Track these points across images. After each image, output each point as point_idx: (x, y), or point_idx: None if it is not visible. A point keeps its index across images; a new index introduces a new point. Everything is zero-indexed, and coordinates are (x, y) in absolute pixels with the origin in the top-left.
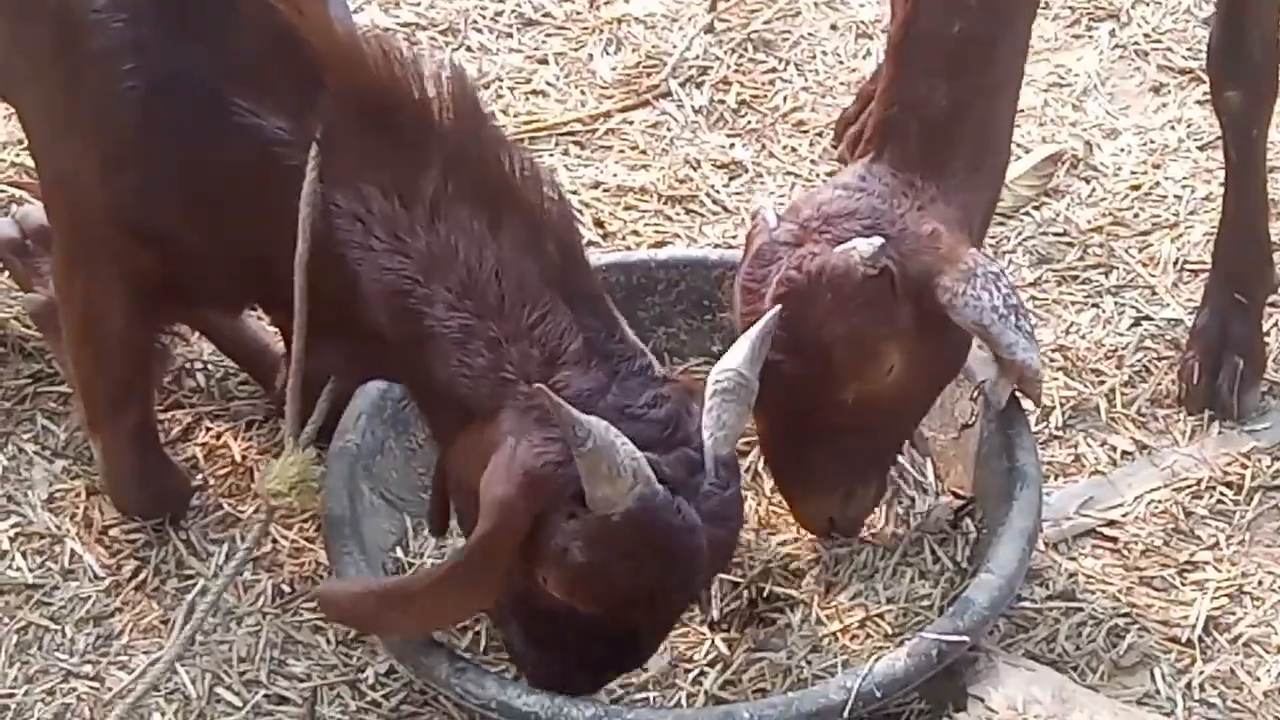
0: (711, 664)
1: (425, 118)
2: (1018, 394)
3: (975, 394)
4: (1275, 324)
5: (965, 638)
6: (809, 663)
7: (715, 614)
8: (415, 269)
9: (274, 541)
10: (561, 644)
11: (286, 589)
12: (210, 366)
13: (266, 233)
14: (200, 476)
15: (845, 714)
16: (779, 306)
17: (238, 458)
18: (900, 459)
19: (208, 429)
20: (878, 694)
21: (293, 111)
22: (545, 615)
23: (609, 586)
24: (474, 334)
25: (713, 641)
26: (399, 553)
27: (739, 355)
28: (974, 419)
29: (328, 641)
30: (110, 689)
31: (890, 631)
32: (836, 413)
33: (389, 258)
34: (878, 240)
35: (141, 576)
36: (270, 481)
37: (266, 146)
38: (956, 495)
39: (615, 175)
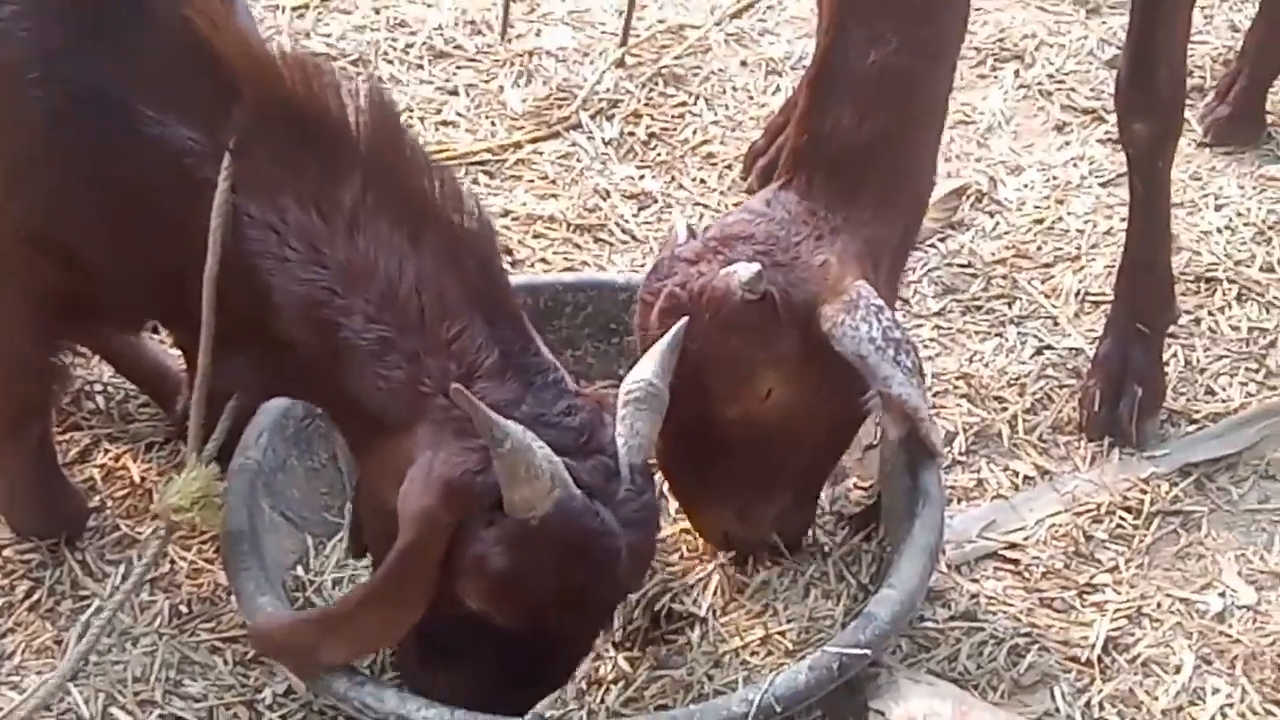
0: (614, 681)
1: (343, 131)
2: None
3: (877, 416)
4: (1174, 353)
5: (867, 651)
6: (710, 678)
7: (618, 634)
8: (333, 280)
9: (171, 562)
10: (480, 664)
11: (184, 609)
12: (110, 388)
13: (177, 246)
14: (98, 498)
15: None
16: (686, 319)
17: (136, 479)
18: None
19: (106, 450)
20: (778, 707)
21: (205, 123)
22: (463, 634)
23: (528, 593)
24: (392, 347)
25: (615, 660)
26: (299, 571)
27: (650, 365)
28: (877, 440)
29: (225, 662)
30: (1, 709)
31: (791, 648)
32: (722, 431)
33: (305, 268)
34: (756, 265)
35: (35, 597)
36: (172, 497)
37: (177, 158)
38: (859, 487)
39: (525, 204)
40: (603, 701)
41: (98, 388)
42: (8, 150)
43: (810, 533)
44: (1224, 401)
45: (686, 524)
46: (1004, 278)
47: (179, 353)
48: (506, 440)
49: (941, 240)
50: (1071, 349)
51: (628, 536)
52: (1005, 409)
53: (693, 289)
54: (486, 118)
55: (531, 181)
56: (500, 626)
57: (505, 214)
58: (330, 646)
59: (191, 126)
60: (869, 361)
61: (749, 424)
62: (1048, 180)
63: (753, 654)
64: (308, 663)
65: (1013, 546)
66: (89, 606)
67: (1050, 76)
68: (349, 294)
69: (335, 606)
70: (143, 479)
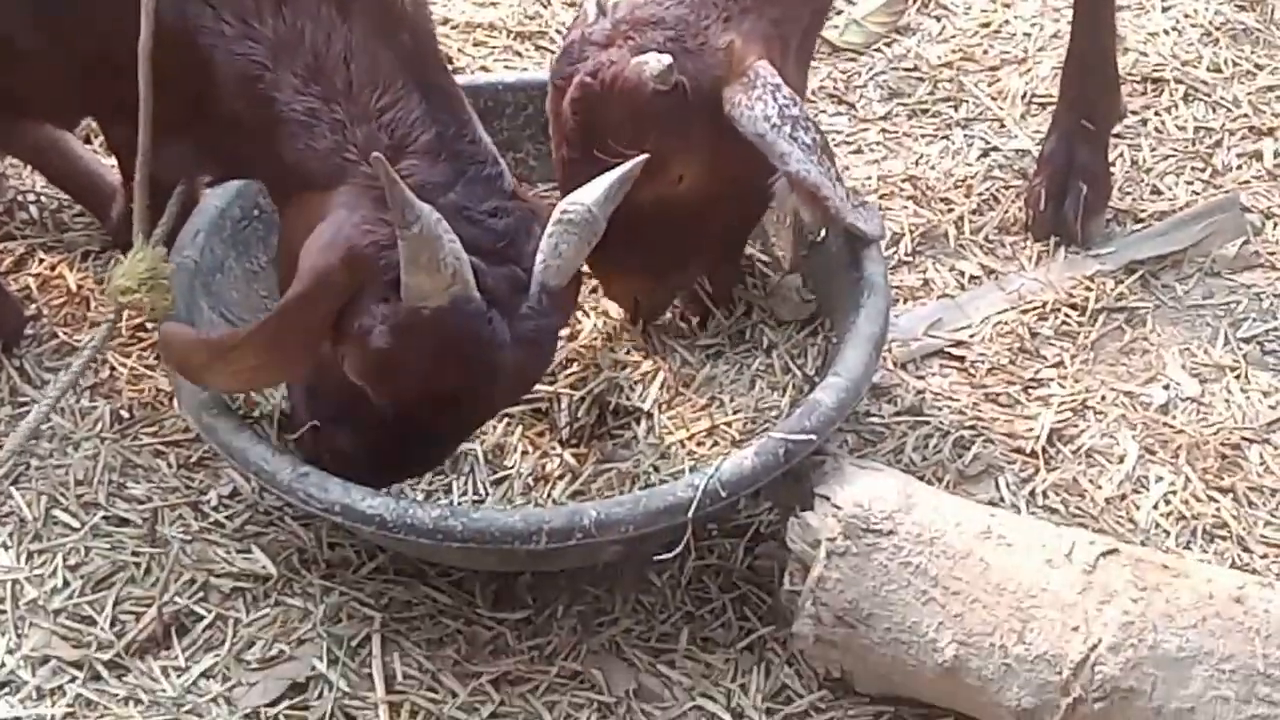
0: (560, 477)
1: None
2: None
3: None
4: (1120, 154)
5: (813, 437)
6: (656, 469)
7: (564, 431)
8: (263, 54)
9: (111, 369)
10: (352, 429)
11: (125, 415)
12: (44, 198)
13: (112, 25)
14: (34, 307)
15: (691, 512)
16: (645, 155)
17: (73, 288)
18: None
19: (41, 260)
20: (724, 492)
21: None
22: (340, 397)
23: (402, 379)
24: (318, 116)
25: (561, 456)
26: None
27: (593, 192)
28: (823, 235)
29: (168, 465)
30: None
31: (738, 439)
32: (636, 212)
33: (239, 43)
34: (667, 59)
35: None
36: (120, 279)
37: None
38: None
39: (464, 12)
40: (549, 496)
41: (31, 198)
42: None
43: (755, 327)
44: (1170, 200)
45: (624, 316)
46: (950, 81)
47: (114, 161)
48: (416, 224)
49: (887, 45)
50: (1018, 150)
51: (515, 352)
52: (951, 210)
53: (604, 78)
54: None
55: None
56: (373, 403)
57: (445, 22)
58: (215, 372)
59: None
60: (766, 139)
61: (661, 205)
62: None
63: (699, 445)
64: (197, 381)
65: (959, 344)
66: (27, 412)
67: None
68: (279, 67)
69: (226, 336)
70: (79, 287)
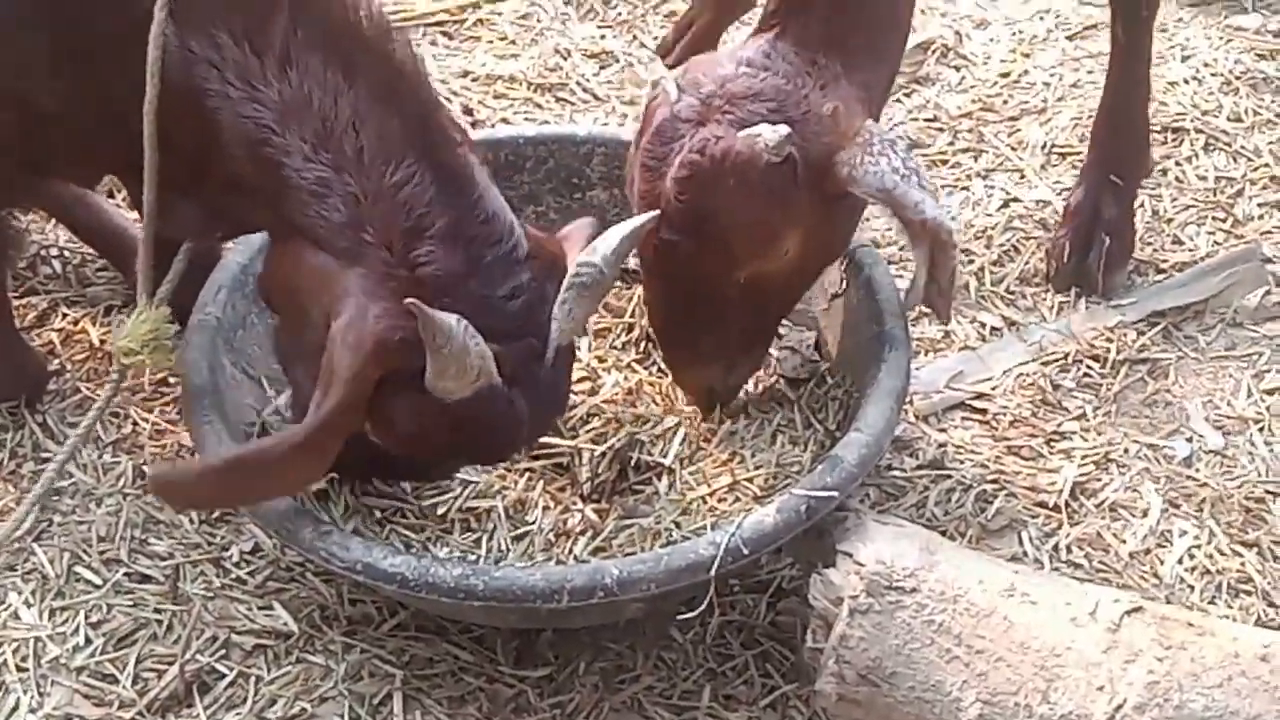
0: (582, 532)
1: None
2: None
3: (844, 263)
4: (1141, 204)
5: (834, 493)
6: (678, 525)
7: (586, 486)
8: (271, 118)
9: (134, 424)
10: (361, 454)
11: (147, 470)
12: (67, 253)
13: (125, 87)
14: (57, 362)
15: (714, 569)
16: (655, 213)
17: (95, 343)
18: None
19: (64, 315)
20: (745, 550)
21: None
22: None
23: (426, 447)
24: (330, 186)
25: (583, 512)
26: (261, 427)
27: (604, 249)
28: (843, 288)
29: (190, 521)
30: None
31: (759, 494)
32: (729, 291)
33: (246, 105)
34: (784, 129)
35: None
36: (122, 340)
37: None
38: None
39: (484, 65)
40: (570, 552)
41: (54, 252)
42: None
43: (777, 380)
44: (1191, 250)
45: (652, 375)
46: (970, 131)
47: (136, 216)
48: (446, 345)
49: (907, 95)
50: (1038, 201)
51: (534, 415)
52: (972, 261)
53: (714, 154)
54: None
55: (491, 42)
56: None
57: (465, 75)
58: (238, 492)
59: None
60: (895, 193)
61: (755, 282)
62: (1014, 34)
63: (720, 500)
64: (210, 508)
65: (980, 396)
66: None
67: None
68: (286, 132)
69: (248, 454)
70: (101, 342)
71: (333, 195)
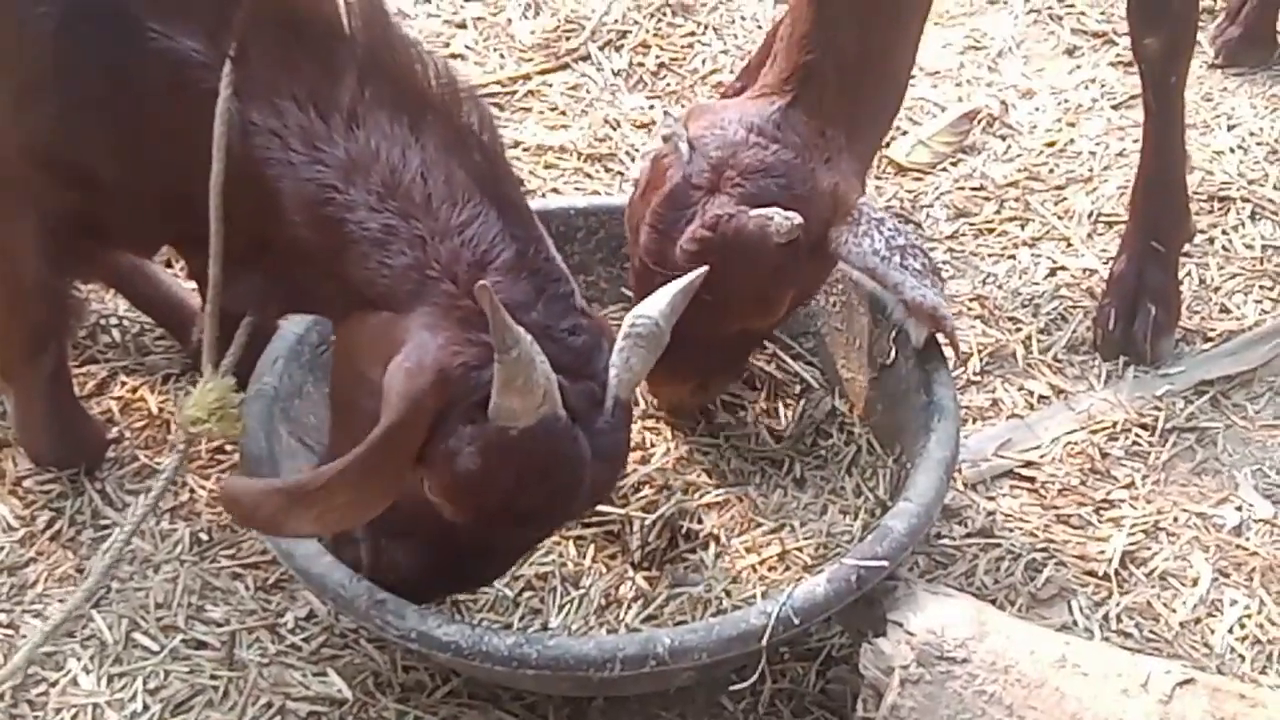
0: (633, 600)
1: (335, 26)
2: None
3: (893, 335)
4: (1188, 272)
5: (885, 563)
6: (728, 594)
7: (636, 554)
8: (334, 176)
9: (191, 491)
10: (409, 543)
11: (204, 537)
12: (126, 322)
13: (185, 161)
14: (116, 429)
15: (765, 639)
16: (706, 268)
17: (154, 410)
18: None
19: (123, 383)
20: (796, 620)
21: (206, 31)
22: (407, 513)
23: (488, 497)
24: (396, 234)
25: (633, 580)
26: None
27: (658, 303)
28: (892, 359)
29: (246, 587)
30: (24, 637)
31: (809, 563)
32: (720, 339)
33: (308, 168)
34: (796, 218)
35: (56, 527)
36: (189, 409)
37: (182, 70)
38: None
39: (535, 135)
40: (621, 620)
41: (113, 321)
42: (16, 68)
43: (829, 451)
44: (1238, 319)
45: (699, 444)
46: (1016, 200)
47: (194, 285)
48: (515, 349)
49: (953, 164)
50: (1085, 269)
51: (594, 468)
52: (1019, 329)
53: (725, 231)
54: (495, 50)
55: (542, 113)
56: (447, 519)
57: (516, 145)
58: (296, 517)
59: (194, 36)
60: (878, 272)
61: (750, 330)
62: (1059, 103)
63: (770, 569)
64: (274, 532)
65: (1029, 464)
66: (109, 535)
67: (1060, 0)
68: (351, 187)
69: (307, 479)
70: (160, 410)
71: (398, 240)
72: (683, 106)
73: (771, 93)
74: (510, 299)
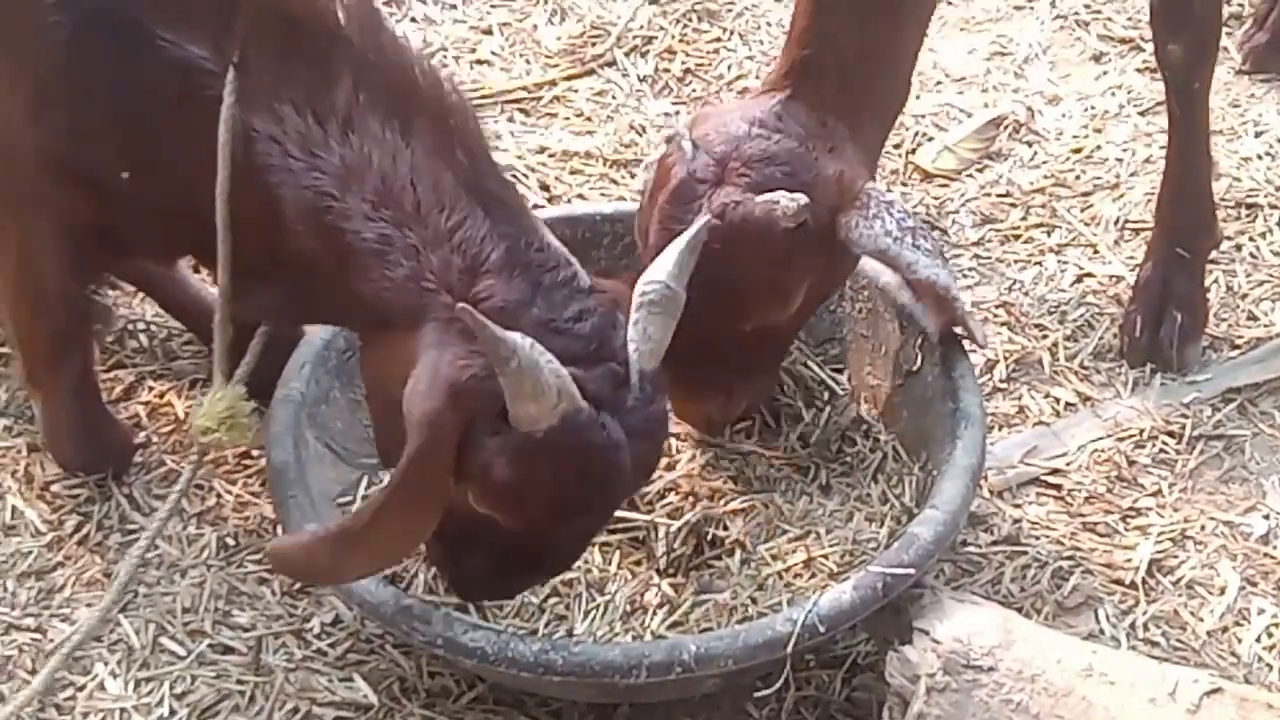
0: (659, 607)
1: (331, 29)
2: (960, 335)
3: (919, 341)
4: (1215, 279)
5: (911, 570)
6: (754, 601)
7: (662, 561)
8: (331, 184)
9: (218, 496)
10: (479, 551)
11: (231, 542)
12: (153, 327)
13: (194, 168)
14: (143, 434)
15: (790, 646)
16: (708, 217)
17: (181, 415)
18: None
19: (150, 388)
20: (822, 627)
21: (211, 38)
22: (465, 524)
23: (532, 501)
24: (392, 243)
25: (659, 586)
26: (345, 502)
27: (665, 266)
28: (918, 366)
29: (272, 592)
30: (52, 640)
31: (835, 570)
32: (736, 337)
33: (306, 175)
34: (802, 198)
35: (84, 531)
36: (199, 419)
37: (190, 77)
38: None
39: (560, 141)
40: (647, 626)
41: (140, 326)
42: (31, 78)
43: (855, 458)
44: (1266, 326)
45: (723, 450)
46: (1043, 206)
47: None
48: (513, 359)
49: (979, 170)
50: (1112, 276)
51: (634, 446)
52: (1046, 336)
53: (732, 219)
54: (521, 56)
55: (567, 119)
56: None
57: (541, 150)
58: (347, 563)
59: (200, 43)
60: (890, 253)
61: (767, 328)
62: (1085, 109)
63: (796, 577)
64: (333, 580)
65: (1055, 472)
66: (137, 540)
67: (1087, 6)
68: (347, 194)
69: (350, 520)
70: (187, 415)
71: (394, 250)
72: None
73: (772, 89)
74: (507, 299)
